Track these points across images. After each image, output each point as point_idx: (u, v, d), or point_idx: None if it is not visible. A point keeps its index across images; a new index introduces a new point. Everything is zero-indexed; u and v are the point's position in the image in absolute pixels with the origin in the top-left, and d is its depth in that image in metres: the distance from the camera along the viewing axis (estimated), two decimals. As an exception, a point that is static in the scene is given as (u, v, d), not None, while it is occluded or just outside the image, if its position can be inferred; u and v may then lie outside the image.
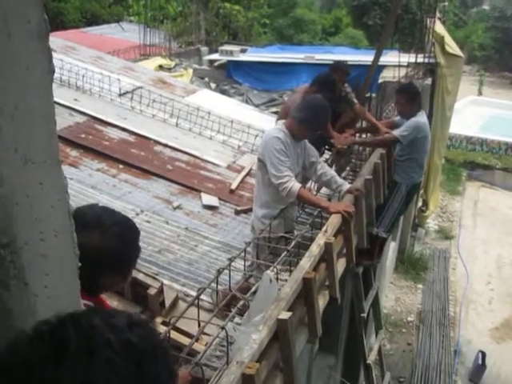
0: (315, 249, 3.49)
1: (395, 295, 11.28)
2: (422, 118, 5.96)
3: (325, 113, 4.42)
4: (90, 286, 1.81)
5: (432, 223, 14.47)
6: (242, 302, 3.13)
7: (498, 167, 17.67)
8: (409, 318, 10.59)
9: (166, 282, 4.20)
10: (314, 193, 5.66)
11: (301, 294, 3.14)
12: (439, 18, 12.36)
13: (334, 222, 3.96)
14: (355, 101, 6.09)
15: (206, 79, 14.46)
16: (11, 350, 0.96)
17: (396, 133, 5.76)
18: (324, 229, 3.80)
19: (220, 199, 6.65)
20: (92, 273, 1.79)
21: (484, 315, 10.94)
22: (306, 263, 3.29)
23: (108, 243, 2.02)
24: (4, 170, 1.10)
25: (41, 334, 0.96)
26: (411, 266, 12.18)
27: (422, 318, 10.52)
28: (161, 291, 3.75)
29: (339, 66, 5.94)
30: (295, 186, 4.11)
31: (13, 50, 1.08)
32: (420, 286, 11.68)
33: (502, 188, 17.32)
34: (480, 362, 9.04)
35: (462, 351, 9.78)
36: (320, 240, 3.60)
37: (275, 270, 3.45)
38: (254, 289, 3.23)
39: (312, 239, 3.82)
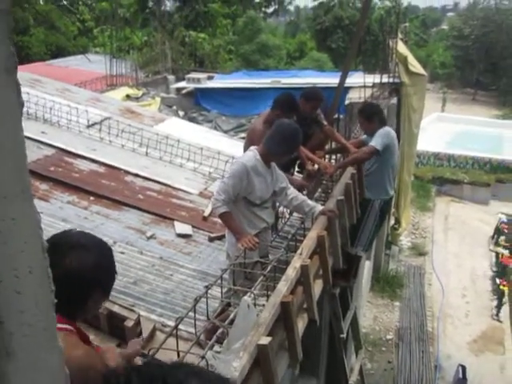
0: (291, 272, 3.49)
1: (373, 314, 11.29)
2: (386, 128, 6.08)
3: (297, 137, 4.43)
4: (72, 311, 2.00)
5: (405, 240, 14.59)
6: (220, 330, 3.10)
7: (465, 181, 17.97)
8: (388, 336, 10.59)
9: (142, 313, 4.15)
10: (287, 216, 5.69)
11: (279, 318, 3.12)
12: (401, 39, 12.61)
13: (308, 244, 3.96)
14: (324, 122, 6.15)
15: (174, 107, 14.50)
16: None
17: (372, 144, 5.82)
18: (299, 251, 3.80)
19: (193, 227, 6.62)
20: (81, 294, 2.01)
21: (461, 328, 11.01)
22: (283, 287, 3.28)
23: (95, 261, 2.05)
24: (-23, 206, 1.09)
25: None
26: (387, 283, 12.22)
27: (401, 335, 10.53)
28: (138, 323, 3.70)
29: (314, 95, 5.97)
30: (221, 209, 4.25)
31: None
32: (397, 303, 11.71)
33: (471, 201, 17.60)
34: (460, 375, 9.05)
35: (443, 366, 9.81)
36: (296, 263, 3.60)
37: (252, 295, 3.43)
38: (232, 316, 3.20)
39: (288, 262, 3.82)
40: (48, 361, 1.36)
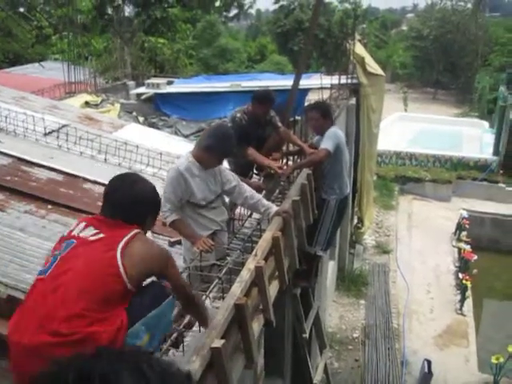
0: (246, 274, 3.48)
1: (339, 313, 11.36)
2: (334, 128, 6.12)
3: (227, 139, 4.42)
4: (138, 225, 2.71)
5: (369, 239, 14.72)
6: (175, 334, 3.08)
7: (427, 179, 18.23)
8: (354, 335, 10.67)
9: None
10: (245, 217, 5.68)
11: (234, 320, 3.12)
12: (359, 40, 12.76)
13: (263, 245, 3.96)
14: (279, 124, 6.17)
15: (134, 113, 14.36)
16: None
17: (323, 146, 5.85)
18: (254, 253, 3.81)
19: (153, 232, 6.56)
20: (145, 212, 2.81)
21: (426, 324, 11.16)
22: (237, 289, 3.27)
23: (156, 194, 2.91)
24: None
25: None
26: (352, 282, 12.32)
27: (367, 333, 10.62)
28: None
29: (265, 97, 5.98)
30: (169, 218, 4.31)
31: None
32: (362, 301, 11.81)
33: (433, 199, 17.87)
34: (426, 370, 9.16)
35: (409, 361, 9.92)
36: (250, 264, 3.60)
37: (208, 298, 3.42)
38: (186, 320, 3.19)
39: (244, 264, 3.82)
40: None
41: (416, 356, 10.08)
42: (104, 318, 2.43)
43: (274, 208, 4.61)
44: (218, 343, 2.74)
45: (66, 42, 21.22)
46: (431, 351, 10.20)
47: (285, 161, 6.59)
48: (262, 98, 5.91)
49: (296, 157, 6.64)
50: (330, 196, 6.22)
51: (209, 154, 4.31)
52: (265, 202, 4.65)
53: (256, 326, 3.43)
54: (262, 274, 3.54)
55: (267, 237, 4.11)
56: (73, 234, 2.66)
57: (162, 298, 2.69)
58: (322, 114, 6.07)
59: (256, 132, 5.96)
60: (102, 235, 2.60)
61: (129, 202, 2.72)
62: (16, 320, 2.50)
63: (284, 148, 6.50)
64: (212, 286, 3.53)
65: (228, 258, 4.38)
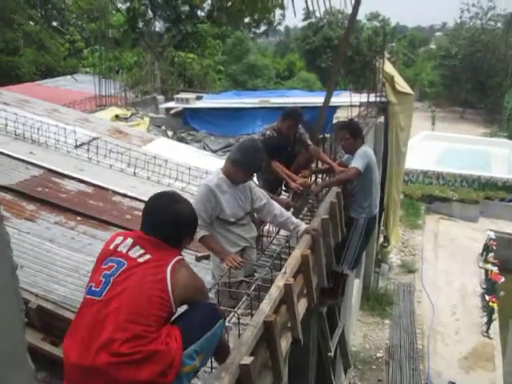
0: (275, 291, 3.49)
1: (363, 332, 11.26)
2: (365, 147, 6.11)
3: (257, 154, 4.43)
4: (176, 246, 2.79)
5: (394, 258, 14.61)
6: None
7: (454, 199, 18.06)
8: (378, 354, 10.56)
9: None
10: (273, 235, 5.69)
11: (263, 337, 3.12)
12: (388, 59, 12.76)
13: (292, 262, 3.97)
14: (309, 142, 6.19)
15: (163, 127, 14.53)
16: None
17: (353, 165, 5.84)
18: (283, 270, 3.82)
19: (192, 239, 6.60)
20: (182, 234, 2.83)
21: (452, 346, 11.00)
22: (266, 306, 3.28)
23: (194, 213, 2.97)
24: None
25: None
26: (377, 301, 12.22)
27: (391, 353, 10.51)
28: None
29: (290, 114, 6.03)
30: (199, 234, 4.23)
31: None
32: (387, 321, 11.70)
33: (460, 219, 17.68)
34: (451, 393, 9.06)
35: (433, 383, 9.78)
36: (279, 282, 3.61)
37: (236, 315, 3.43)
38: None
39: (272, 281, 3.83)
40: (20, 380, 1.36)
41: (440, 378, 9.93)
42: (158, 336, 2.51)
43: (303, 226, 4.61)
44: (248, 360, 2.75)
45: (97, 56, 21.59)
46: (456, 373, 10.05)
47: (313, 178, 6.61)
48: (289, 114, 5.96)
49: (325, 175, 6.64)
50: (360, 215, 6.20)
51: (236, 168, 4.33)
52: (294, 219, 4.66)
53: (284, 343, 3.43)
54: (291, 291, 3.55)
55: (296, 254, 4.12)
56: (119, 250, 2.69)
57: (213, 318, 2.76)
58: (352, 133, 6.06)
59: (285, 149, 5.99)
60: (149, 256, 2.65)
61: (169, 222, 2.77)
62: (72, 341, 2.54)
63: (313, 165, 6.51)
64: (240, 303, 3.55)
65: (256, 275, 4.39)
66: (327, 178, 6.50)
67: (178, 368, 2.56)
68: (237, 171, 4.33)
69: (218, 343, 2.83)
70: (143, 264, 2.62)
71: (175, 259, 2.67)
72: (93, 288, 2.62)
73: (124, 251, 2.68)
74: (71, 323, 2.67)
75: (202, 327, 2.68)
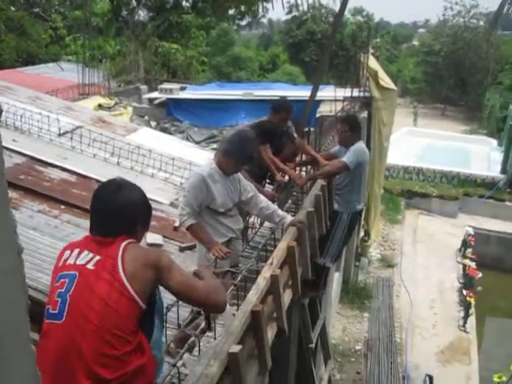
0: (262, 281, 3.54)
1: (342, 325, 11.37)
2: (362, 144, 6.19)
3: (248, 144, 4.48)
4: (129, 234, 2.56)
5: (374, 252, 14.75)
6: (192, 339, 3.14)
7: (434, 195, 18.26)
8: (357, 347, 10.68)
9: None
10: (257, 226, 5.74)
11: (249, 326, 3.17)
12: (373, 54, 12.84)
13: (278, 254, 4.02)
14: (295, 135, 6.24)
15: (146, 117, 14.48)
16: None
17: (345, 159, 5.92)
18: (269, 261, 3.86)
19: (164, 237, 6.62)
20: (133, 222, 2.61)
21: (429, 339, 11.16)
22: (253, 296, 3.33)
23: (144, 198, 2.74)
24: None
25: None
26: (356, 295, 12.34)
27: (370, 346, 10.63)
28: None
29: (282, 107, 6.06)
30: (187, 222, 4.34)
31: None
32: (366, 314, 11.82)
33: (439, 214, 17.89)
34: (427, 385, 9.19)
35: (411, 376, 9.92)
36: (266, 273, 3.65)
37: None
38: (203, 324, 3.24)
39: (258, 272, 3.87)
40: (23, 362, 1.38)
41: (418, 371, 10.08)
42: (137, 347, 2.41)
43: (289, 218, 4.66)
44: (236, 348, 2.79)
45: (80, 44, 21.40)
46: (433, 367, 10.20)
47: (297, 171, 6.65)
48: (278, 107, 5.99)
49: (309, 167, 6.70)
50: (345, 210, 6.27)
51: (228, 158, 4.37)
52: (280, 212, 4.70)
53: (270, 333, 3.48)
54: (277, 282, 3.60)
55: (282, 246, 4.17)
56: (68, 263, 2.49)
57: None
58: (350, 128, 6.15)
59: (273, 141, 6.03)
60: (98, 257, 2.45)
61: (114, 211, 2.57)
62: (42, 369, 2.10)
63: (297, 158, 6.56)
64: (227, 293, 3.58)
65: (241, 266, 4.44)
66: (311, 171, 6.55)
67: (156, 368, 2.56)
68: (228, 162, 4.36)
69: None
70: (95, 269, 2.43)
71: (122, 246, 2.48)
72: (50, 311, 2.43)
73: (72, 262, 2.48)
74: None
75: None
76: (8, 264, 1.28)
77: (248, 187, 4.59)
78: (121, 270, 2.40)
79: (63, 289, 2.42)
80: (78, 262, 2.46)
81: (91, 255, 2.46)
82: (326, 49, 8.54)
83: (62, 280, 2.45)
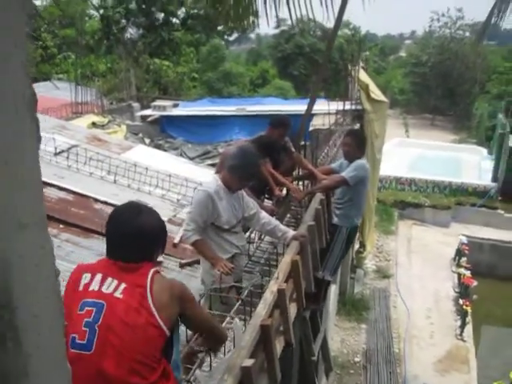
0: (269, 296, 3.59)
1: (340, 337, 11.41)
2: (364, 161, 6.26)
3: (252, 160, 4.54)
4: (147, 259, 2.56)
5: (369, 263, 14.82)
6: (202, 355, 3.18)
7: (426, 205, 18.39)
8: (355, 359, 10.71)
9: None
10: (257, 240, 5.78)
11: (259, 340, 3.21)
12: (362, 67, 12.99)
13: (283, 268, 4.08)
14: (293, 149, 6.31)
15: (140, 135, 14.54)
16: None
17: (344, 174, 5.98)
18: (276, 275, 3.91)
19: (164, 254, 6.63)
20: (153, 246, 2.62)
21: (427, 349, 11.22)
22: (262, 310, 3.37)
23: (162, 223, 2.72)
24: (2, 233, 1.17)
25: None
26: (353, 307, 12.40)
27: (369, 357, 10.67)
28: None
29: (281, 122, 6.14)
30: (192, 238, 4.38)
31: (17, 124, 1.17)
32: (363, 325, 11.87)
33: (432, 224, 18.01)
34: (427, 395, 9.24)
35: (410, 387, 9.97)
36: (273, 287, 3.71)
37: (234, 318, 3.51)
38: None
39: (262, 286, 3.93)
40: (60, 381, 1.43)
41: (417, 381, 10.14)
42: (162, 374, 2.45)
43: (291, 232, 4.71)
44: (249, 362, 2.84)
45: (71, 62, 21.45)
46: (432, 376, 10.27)
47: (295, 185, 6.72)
48: (278, 122, 6.07)
49: (306, 181, 6.77)
50: (344, 224, 6.33)
51: (232, 174, 4.42)
52: (281, 227, 4.75)
53: (278, 347, 3.52)
54: (284, 296, 3.65)
55: (287, 260, 4.22)
56: (91, 289, 2.45)
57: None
58: (357, 144, 6.20)
59: (272, 156, 6.09)
60: (124, 285, 2.44)
61: (135, 234, 2.54)
62: None
63: (295, 173, 6.63)
64: (234, 308, 3.64)
65: (244, 281, 4.49)
66: (309, 186, 6.62)
67: None
68: (232, 178, 4.41)
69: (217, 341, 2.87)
70: (123, 298, 2.42)
71: (150, 273, 2.48)
72: (77, 340, 2.38)
73: (96, 289, 2.44)
74: None
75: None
76: (48, 285, 1.33)
77: (250, 204, 4.64)
78: (150, 299, 2.41)
79: (90, 318, 2.39)
80: (104, 290, 2.44)
81: (116, 282, 2.45)
82: (322, 63, 8.65)
83: (87, 308, 2.41)
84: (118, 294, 2.42)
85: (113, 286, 2.44)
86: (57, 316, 1.38)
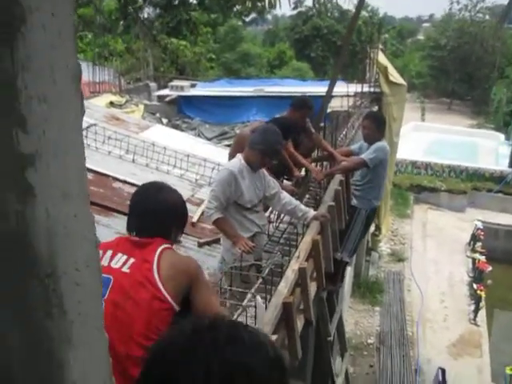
0: (290, 274, 3.62)
1: (354, 319, 11.46)
2: (384, 143, 6.25)
3: (274, 136, 4.55)
4: (165, 236, 2.57)
5: (384, 247, 14.81)
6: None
7: (442, 189, 18.28)
8: (369, 341, 10.76)
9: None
10: (274, 220, 5.80)
11: (281, 318, 3.25)
12: (381, 49, 12.88)
13: (304, 247, 4.11)
14: (313, 130, 6.31)
15: (158, 115, 14.57)
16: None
17: (364, 156, 6.00)
18: (296, 254, 3.95)
19: (182, 233, 6.69)
20: (170, 222, 2.62)
21: (440, 333, 11.24)
22: (283, 288, 3.42)
23: (182, 203, 2.77)
24: (48, 203, 1.20)
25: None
26: (367, 289, 12.42)
27: (382, 339, 10.71)
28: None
29: (304, 104, 6.12)
30: (214, 216, 4.39)
31: (56, 95, 1.17)
32: (377, 308, 11.90)
33: (448, 209, 17.91)
34: (440, 378, 9.24)
35: (423, 369, 10.01)
36: (294, 265, 3.74)
37: (249, 296, 3.55)
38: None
39: (282, 265, 3.96)
40: (99, 348, 1.47)
41: (430, 364, 10.16)
42: None
43: (312, 212, 4.74)
44: (272, 339, 2.87)
45: (87, 42, 21.44)
46: (445, 360, 10.27)
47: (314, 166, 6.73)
48: (300, 104, 6.05)
49: (326, 163, 6.77)
50: (363, 206, 6.34)
51: (254, 150, 4.45)
52: (302, 207, 4.78)
53: (298, 325, 3.57)
54: (305, 274, 3.69)
55: (308, 239, 4.26)
56: (102, 265, 2.33)
57: None
58: (376, 126, 6.20)
59: (292, 138, 6.10)
60: (132, 260, 2.46)
61: (153, 209, 2.60)
62: None
63: (314, 154, 6.63)
64: (256, 286, 3.67)
65: (264, 260, 4.52)
66: (328, 167, 6.62)
67: None
68: (254, 154, 4.44)
69: None
70: (129, 272, 2.43)
71: (160, 248, 2.48)
72: None
73: (106, 264, 2.45)
74: None
75: None
76: (89, 255, 1.36)
77: (272, 183, 4.67)
78: (155, 273, 2.41)
79: None
80: (112, 265, 2.46)
81: (125, 257, 2.47)
82: (344, 43, 8.62)
83: None
84: (125, 269, 2.44)
85: (121, 261, 2.46)
86: (96, 285, 1.41)
